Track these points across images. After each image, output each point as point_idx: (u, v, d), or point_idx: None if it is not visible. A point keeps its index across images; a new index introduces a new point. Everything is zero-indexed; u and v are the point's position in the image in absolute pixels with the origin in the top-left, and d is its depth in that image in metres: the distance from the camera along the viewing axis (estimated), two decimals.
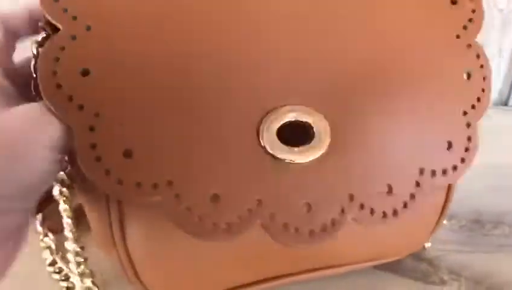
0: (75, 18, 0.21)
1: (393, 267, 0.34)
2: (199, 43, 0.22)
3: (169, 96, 0.21)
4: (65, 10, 0.21)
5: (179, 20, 0.22)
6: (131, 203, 0.22)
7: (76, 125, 0.20)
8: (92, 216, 0.26)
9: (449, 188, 0.29)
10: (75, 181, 0.25)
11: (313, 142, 0.22)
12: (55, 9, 0.21)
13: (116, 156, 0.20)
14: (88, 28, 0.21)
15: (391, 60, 0.25)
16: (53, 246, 0.35)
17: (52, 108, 0.20)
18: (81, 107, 0.20)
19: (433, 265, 0.35)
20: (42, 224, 0.36)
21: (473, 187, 0.43)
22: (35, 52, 0.22)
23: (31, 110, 0.21)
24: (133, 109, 0.21)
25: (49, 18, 0.21)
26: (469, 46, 0.27)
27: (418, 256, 0.35)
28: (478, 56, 0.27)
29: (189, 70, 0.22)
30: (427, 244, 0.35)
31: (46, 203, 0.38)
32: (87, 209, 0.26)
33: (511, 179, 0.44)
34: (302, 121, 0.23)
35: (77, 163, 0.21)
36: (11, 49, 0.24)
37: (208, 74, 0.22)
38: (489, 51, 0.54)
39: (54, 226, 0.36)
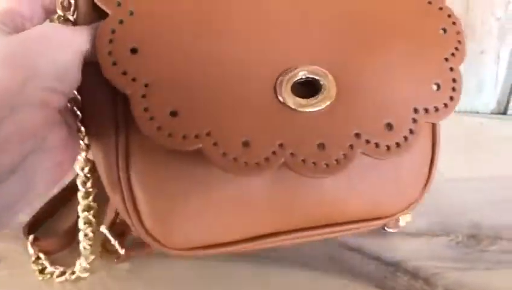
0: (119, 4, 0.26)
1: (388, 286, 0.34)
2: (226, 21, 0.28)
3: (203, 65, 0.26)
4: None
5: (206, 3, 0.28)
6: (180, 151, 0.25)
7: (132, 94, 0.25)
8: (99, 156, 0.28)
9: (434, 144, 0.34)
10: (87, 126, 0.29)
11: (321, 93, 0.28)
12: None
13: (165, 116, 0.25)
14: (131, 13, 0.26)
15: (380, 21, 0.31)
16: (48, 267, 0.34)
17: (112, 81, 0.25)
18: (134, 80, 0.25)
19: (430, 284, 0.34)
20: (33, 245, 0.36)
21: (471, 200, 0.42)
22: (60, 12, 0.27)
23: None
24: (175, 77, 0.26)
25: (98, 3, 0.26)
26: (440, 8, 0.33)
27: (414, 275, 0.35)
28: (449, 15, 0.33)
29: (219, 42, 0.27)
30: (407, 219, 0.35)
31: (36, 224, 0.38)
32: (95, 150, 0.29)
33: (509, 192, 0.43)
34: (310, 78, 0.28)
35: (87, 109, 0.28)
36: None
37: (234, 45, 0.27)
38: (487, 60, 0.54)
39: (46, 247, 0.36)
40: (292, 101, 0.27)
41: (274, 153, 0.26)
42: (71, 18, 0.27)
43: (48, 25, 0.27)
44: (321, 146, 0.27)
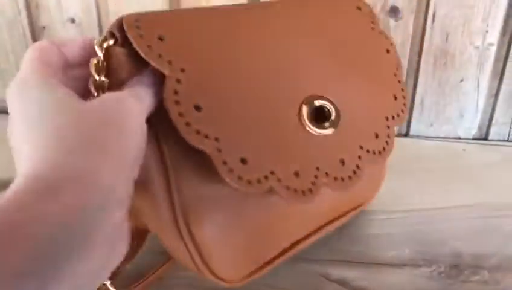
0: (170, 62, 0.27)
1: None
2: (260, 53, 0.31)
3: (258, 108, 0.29)
4: None
5: (241, 34, 0.31)
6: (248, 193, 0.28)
7: (210, 152, 0.26)
8: (154, 217, 0.29)
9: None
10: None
11: (333, 117, 0.32)
12: None
13: (238, 165, 0.27)
14: (183, 70, 0.27)
15: (347, 56, 0.36)
16: None
17: (189, 142, 0.26)
18: (206, 136, 0.26)
19: None
20: None
21: (453, 228, 0.43)
22: (100, 52, 0.27)
23: (117, 94, 0.25)
24: (239, 126, 0.28)
25: (155, 65, 0.26)
26: (380, 32, 0.39)
27: None
28: (387, 38, 0.39)
29: (252, 70, 0.30)
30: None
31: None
32: (148, 212, 0.30)
33: (493, 220, 0.44)
34: (323, 106, 0.32)
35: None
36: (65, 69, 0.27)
37: (264, 73, 0.30)
38: (467, 87, 0.55)
39: None
40: (310, 124, 0.31)
41: (316, 177, 0.30)
42: (105, 81, 0.27)
43: (122, 100, 0.25)
44: (342, 161, 0.32)
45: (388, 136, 0.36)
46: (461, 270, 0.38)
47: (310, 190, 0.29)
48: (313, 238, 0.37)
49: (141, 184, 0.28)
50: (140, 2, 0.55)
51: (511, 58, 0.53)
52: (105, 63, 0.27)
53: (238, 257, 0.32)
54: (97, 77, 0.27)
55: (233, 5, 0.33)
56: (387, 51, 0.39)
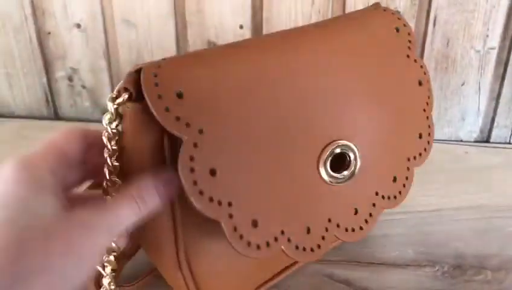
0: (188, 125, 0.25)
1: None
2: (285, 97, 0.29)
3: (273, 173, 0.28)
4: None
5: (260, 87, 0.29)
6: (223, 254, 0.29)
7: (223, 221, 0.26)
8: (156, 246, 0.30)
9: None
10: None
11: (352, 165, 0.31)
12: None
13: (249, 228, 0.26)
14: (201, 132, 0.26)
15: (377, 89, 0.34)
16: None
17: (201, 211, 0.25)
18: (219, 203, 0.26)
19: None
20: None
21: (455, 230, 0.43)
22: (112, 110, 0.26)
23: (87, 217, 0.24)
24: (252, 191, 0.27)
25: (170, 130, 0.25)
26: (416, 60, 0.37)
27: None
28: (422, 66, 0.37)
29: (274, 119, 0.29)
30: None
31: None
32: (150, 240, 0.30)
33: (495, 221, 0.44)
34: (345, 154, 0.31)
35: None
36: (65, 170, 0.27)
37: (287, 121, 0.29)
38: (469, 91, 0.56)
39: None
40: (329, 174, 0.30)
41: (327, 229, 0.30)
42: (117, 181, 0.27)
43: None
44: (355, 211, 0.31)
45: (406, 179, 0.35)
46: (464, 271, 0.39)
47: (319, 246, 0.29)
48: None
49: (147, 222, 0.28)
50: (144, 7, 0.56)
51: (511, 62, 0.54)
52: (118, 127, 0.26)
53: (235, 286, 0.32)
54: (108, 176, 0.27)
55: (262, 36, 0.32)
56: (420, 83, 0.36)
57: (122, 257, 0.31)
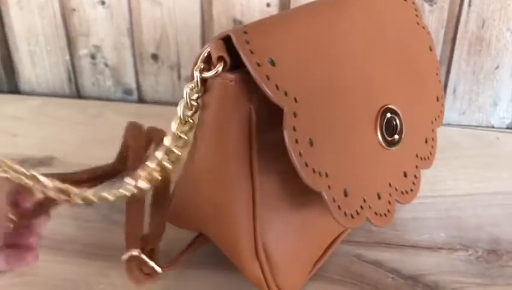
0: (286, 94, 0.25)
1: None
2: (344, 66, 0.29)
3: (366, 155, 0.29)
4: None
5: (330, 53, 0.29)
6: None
7: (326, 192, 0.25)
8: (231, 234, 0.28)
9: None
10: None
11: (399, 129, 0.31)
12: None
13: (342, 197, 0.26)
14: (295, 100, 0.25)
15: (403, 56, 0.35)
16: None
17: (308, 183, 0.25)
18: (320, 174, 0.25)
19: None
20: None
21: (489, 214, 0.41)
22: (199, 80, 0.25)
23: None
24: (347, 165, 0.27)
25: (274, 100, 0.24)
26: (424, 27, 0.38)
27: (433, 289, 0.34)
28: (429, 33, 0.38)
29: (344, 86, 0.28)
30: None
31: None
32: (226, 226, 0.29)
33: None
34: (392, 118, 0.31)
35: None
36: None
37: (352, 87, 0.29)
38: (502, 75, 0.54)
39: None
40: (386, 141, 0.30)
41: (390, 194, 0.30)
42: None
43: None
44: (404, 174, 0.32)
45: (433, 139, 0.35)
46: (499, 256, 0.37)
47: (389, 211, 0.29)
48: (344, 235, 0.37)
49: (222, 211, 0.28)
50: None
51: None
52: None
53: (299, 267, 0.31)
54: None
55: (310, 4, 0.30)
56: (430, 49, 0.38)
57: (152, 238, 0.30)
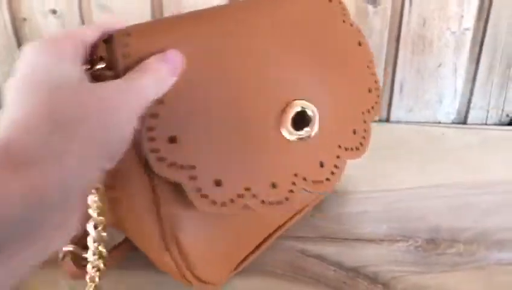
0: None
1: None
2: (232, 71, 0.30)
3: (235, 136, 0.29)
4: None
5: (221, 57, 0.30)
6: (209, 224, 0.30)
7: (184, 182, 0.27)
8: (140, 227, 0.30)
9: None
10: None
11: (313, 122, 0.32)
12: None
13: (212, 187, 0.27)
14: (161, 102, 0.26)
15: (323, 53, 0.36)
16: None
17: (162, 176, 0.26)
18: (181, 167, 0.27)
19: (389, 288, 0.35)
20: None
21: (432, 206, 0.43)
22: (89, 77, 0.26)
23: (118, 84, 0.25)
24: (214, 152, 0.28)
25: None
26: (351, 24, 0.39)
27: (373, 279, 0.35)
28: (358, 30, 0.40)
29: (232, 84, 0.29)
30: None
31: None
32: (134, 220, 0.30)
33: (469, 197, 0.44)
34: (305, 110, 0.32)
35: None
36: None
37: (245, 84, 0.30)
38: (445, 72, 0.56)
39: None
40: (292, 134, 0.31)
41: (294, 183, 0.31)
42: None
43: (117, 89, 0.24)
44: (321, 164, 0.33)
45: (365, 131, 0.37)
46: (437, 244, 0.39)
47: (287, 198, 0.30)
48: (283, 229, 0.38)
49: (126, 198, 0.29)
50: None
51: (486, 43, 0.54)
52: None
53: (220, 259, 0.32)
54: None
55: (214, 8, 0.32)
56: (359, 44, 0.39)
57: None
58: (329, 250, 0.38)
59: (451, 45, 0.55)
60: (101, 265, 0.30)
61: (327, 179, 0.33)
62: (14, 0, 0.57)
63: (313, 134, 0.32)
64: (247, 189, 0.29)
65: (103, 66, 0.26)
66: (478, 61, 0.55)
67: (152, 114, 0.26)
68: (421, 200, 0.44)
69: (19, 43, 0.59)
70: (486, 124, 0.59)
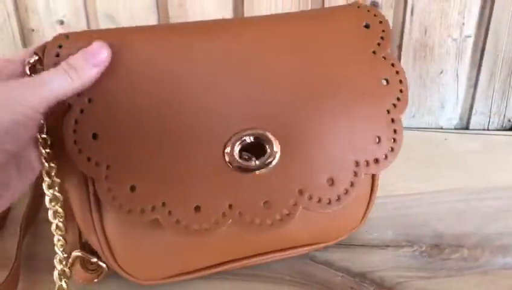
0: (78, 94, 0.29)
1: None
2: (179, 95, 0.30)
3: (156, 139, 0.29)
4: None
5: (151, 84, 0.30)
6: (137, 223, 0.30)
7: (96, 178, 0.29)
8: (75, 203, 0.31)
9: (373, 180, 0.36)
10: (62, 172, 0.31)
11: (266, 155, 0.30)
12: None
13: (125, 193, 0.28)
14: (90, 101, 0.29)
15: (325, 73, 0.32)
16: None
17: (80, 168, 0.29)
18: (97, 164, 0.29)
19: None
20: None
21: (435, 211, 0.44)
22: (28, 72, 0.29)
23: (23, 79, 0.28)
24: (131, 156, 0.29)
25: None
26: (384, 58, 0.34)
27: (380, 284, 0.36)
28: (393, 64, 0.34)
29: (168, 116, 0.30)
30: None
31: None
32: (71, 197, 0.31)
33: (472, 202, 0.45)
34: (257, 141, 0.30)
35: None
36: None
37: (183, 116, 0.30)
38: (447, 79, 0.57)
39: None
40: (238, 163, 0.29)
41: (224, 214, 0.29)
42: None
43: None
44: (267, 204, 0.30)
45: (351, 184, 0.31)
46: (442, 249, 0.40)
47: (207, 229, 0.28)
48: (255, 260, 0.35)
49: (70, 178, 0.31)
50: (126, 1, 0.56)
51: (487, 50, 0.55)
52: None
53: (151, 260, 0.32)
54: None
55: (181, 23, 0.34)
56: (387, 81, 0.33)
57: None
58: (336, 256, 0.39)
59: (453, 52, 0.56)
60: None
61: (271, 224, 0.29)
62: (23, 11, 0.58)
63: (264, 169, 0.30)
64: (164, 204, 0.29)
65: (36, 58, 0.29)
66: (479, 68, 0.56)
67: (80, 109, 0.29)
68: (425, 205, 0.45)
69: None
70: (488, 129, 0.59)
